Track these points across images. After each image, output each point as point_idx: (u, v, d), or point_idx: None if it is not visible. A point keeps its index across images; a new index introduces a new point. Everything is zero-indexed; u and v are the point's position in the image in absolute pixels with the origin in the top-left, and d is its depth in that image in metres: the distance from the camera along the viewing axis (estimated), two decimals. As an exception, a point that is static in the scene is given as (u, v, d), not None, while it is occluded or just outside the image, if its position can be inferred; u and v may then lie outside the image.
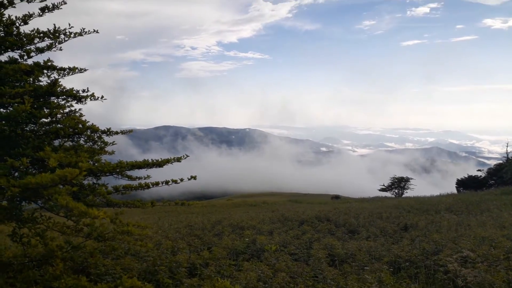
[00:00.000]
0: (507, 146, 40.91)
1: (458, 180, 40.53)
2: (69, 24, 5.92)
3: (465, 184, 39.26)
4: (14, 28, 5.89)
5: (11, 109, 5.39)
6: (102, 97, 6.58)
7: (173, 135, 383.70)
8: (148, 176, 7.03)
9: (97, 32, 6.36)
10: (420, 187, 45.70)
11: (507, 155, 40.63)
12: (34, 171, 5.63)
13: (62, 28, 5.95)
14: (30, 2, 5.13)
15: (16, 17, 5.73)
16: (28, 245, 5.91)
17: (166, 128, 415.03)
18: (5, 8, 5.07)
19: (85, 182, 6.32)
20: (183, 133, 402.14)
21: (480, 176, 39.70)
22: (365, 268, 8.06)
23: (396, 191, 45.42)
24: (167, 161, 6.89)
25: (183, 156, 7.13)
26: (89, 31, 6.28)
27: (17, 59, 6.15)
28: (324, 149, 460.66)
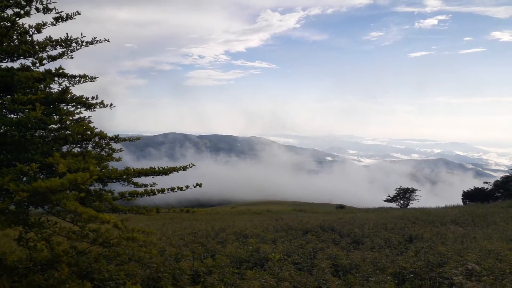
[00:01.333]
0: (514, 159, 40.60)
1: (464, 192, 40.21)
2: (81, 34, 6.04)
3: (471, 196, 38.94)
4: (28, 37, 6.03)
5: (21, 115, 5.49)
6: (111, 104, 6.68)
7: (176, 142, 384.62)
8: (154, 184, 7.09)
9: (108, 41, 6.47)
10: (426, 199, 45.40)
11: (514, 168, 40.30)
12: (42, 176, 5.71)
13: (74, 36, 6.07)
14: (46, 13, 5.25)
15: (29, 25, 5.87)
16: (34, 249, 5.97)
17: (172, 135, 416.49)
18: (21, 17, 5.19)
19: (92, 188, 6.39)
20: (188, 140, 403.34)
21: (487, 188, 39.36)
22: (370, 279, 8.03)
23: (402, 202, 45.14)
24: (173, 169, 6.95)
25: (189, 164, 7.19)
26: (100, 40, 6.40)
27: (29, 66, 6.28)
28: (329, 158, 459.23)
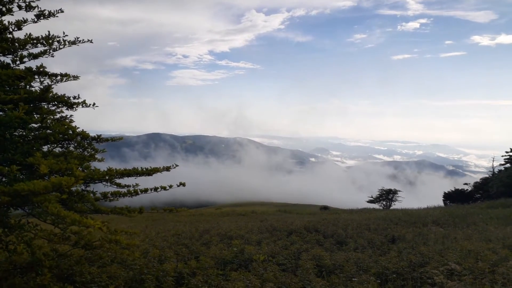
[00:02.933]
0: (493, 161, 41.59)
1: (445, 193, 40.94)
2: (64, 33, 5.93)
3: (452, 197, 39.68)
4: (7, 34, 5.88)
5: (1, 113, 5.35)
6: (94, 104, 6.58)
7: (159, 143, 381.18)
8: (137, 184, 7.02)
9: (91, 41, 6.38)
10: (408, 200, 46.06)
11: (493, 170, 41.26)
12: (22, 177, 5.58)
13: (56, 35, 5.95)
14: (28, 11, 5.14)
15: (9, 22, 5.72)
16: (14, 252, 5.83)
17: (154, 135, 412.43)
18: (3, 15, 5.06)
19: (73, 189, 6.27)
20: (171, 141, 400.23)
21: (467, 189, 40.18)
22: (353, 279, 8.09)
23: (384, 203, 45.68)
24: (157, 170, 6.89)
25: (173, 165, 7.14)
26: (83, 40, 6.30)
27: (9, 64, 6.13)
28: (313, 159, 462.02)
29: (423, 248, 11.11)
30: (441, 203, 39.03)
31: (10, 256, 6.08)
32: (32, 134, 6.15)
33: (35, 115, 6.07)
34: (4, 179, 5.04)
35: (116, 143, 7.81)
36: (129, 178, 6.71)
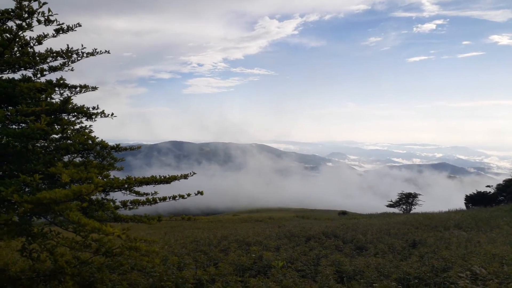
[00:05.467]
0: (516, 162, 40.51)
1: (466, 196, 40.03)
2: (82, 45, 6.09)
3: (474, 200, 38.76)
4: (29, 48, 6.08)
5: (23, 125, 5.51)
6: (112, 114, 6.71)
7: (176, 150, 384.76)
8: (156, 192, 7.10)
9: (108, 52, 6.52)
10: (428, 203, 45.19)
11: (516, 171, 40.16)
12: (44, 186, 5.72)
13: (74, 48, 6.11)
14: (47, 25, 5.30)
15: (30, 37, 5.91)
16: (37, 260, 5.96)
17: (172, 143, 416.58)
18: (23, 30, 5.23)
19: (94, 197, 6.38)
20: (189, 148, 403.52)
21: (489, 192, 39.19)
22: (374, 285, 7.98)
23: (404, 207, 44.93)
24: (175, 178, 6.96)
25: (190, 173, 7.20)
26: (100, 51, 6.45)
27: (30, 77, 6.31)
28: (330, 164, 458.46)
29: (446, 252, 10.88)
30: (463, 206, 38.17)
31: (34, 264, 6.22)
32: (54, 144, 6.30)
33: (56, 126, 6.23)
34: (27, 189, 5.18)
35: (134, 151, 7.92)
36: (148, 186, 6.80)
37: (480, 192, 39.26)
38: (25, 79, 6.24)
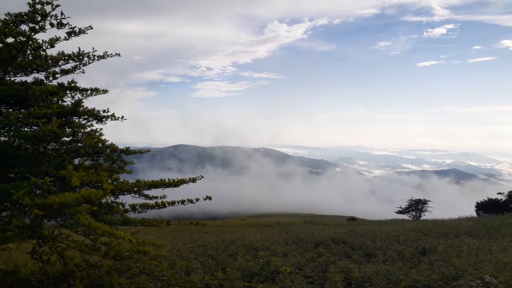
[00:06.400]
0: (528, 169, 39.92)
1: (477, 203, 39.48)
2: (93, 48, 6.15)
3: (485, 207, 38.22)
4: (41, 51, 6.15)
5: (35, 128, 5.56)
6: (122, 117, 6.74)
7: (185, 154, 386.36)
8: (164, 196, 7.10)
9: (118, 55, 6.57)
10: (438, 210, 44.67)
11: (529, 178, 39.56)
12: (55, 189, 5.75)
13: (85, 51, 6.17)
14: (59, 28, 5.36)
15: (43, 40, 5.99)
16: (47, 262, 5.98)
17: (181, 147, 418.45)
18: (36, 32, 5.29)
19: (103, 200, 6.40)
20: (198, 152, 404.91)
21: (501, 199, 38.61)
22: (383, 292, 7.88)
23: (414, 213, 44.47)
24: (183, 181, 6.96)
25: (198, 176, 7.21)
26: (111, 54, 6.50)
27: (42, 80, 6.38)
28: (338, 169, 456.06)
29: (456, 260, 10.73)
30: (474, 214, 37.66)
31: (43, 266, 6.25)
32: (64, 147, 6.34)
33: (67, 129, 6.28)
34: (38, 191, 5.21)
35: (143, 154, 7.95)
36: (157, 189, 6.82)
37: (491, 199, 38.71)
38: (37, 82, 6.31)
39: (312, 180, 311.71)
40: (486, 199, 39.03)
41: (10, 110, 5.87)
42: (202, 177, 7.28)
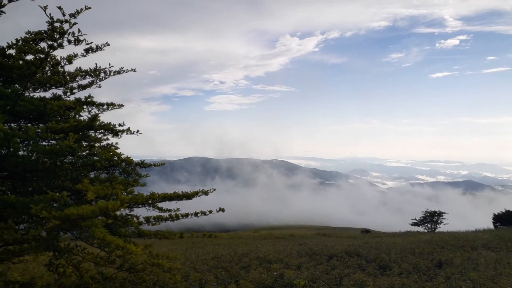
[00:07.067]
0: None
1: (494, 215, 38.67)
2: (109, 64, 6.30)
3: (502, 219, 37.39)
4: (59, 67, 6.32)
5: (53, 142, 5.69)
6: (138, 131, 6.86)
7: (198, 166, 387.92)
8: (178, 209, 7.16)
9: (134, 70, 6.72)
10: (453, 222, 43.86)
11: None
12: (71, 202, 5.85)
13: (102, 66, 6.33)
14: (77, 44, 5.52)
15: (61, 57, 6.17)
16: (63, 275, 6.06)
17: (195, 159, 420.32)
18: (55, 49, 5.46)
19: (118, 213, 6.49)
20: (210, 164, 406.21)
21: (519, 211, 37.79)
22: (398, 307, 7.76)
23: (429, 225, 43.72)
24: (196, 194, 7.02)
25: (210, 189, 7.27)
26: (126, 69, 6.65)
27: (60, 95, 6.55)
28: (351, 181, 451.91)
29: (473, 273, 10.51)
30: (491, 226, 36.88)
31: (59, 278, 6.32)
32: (81, 161, 6.47)
33: (83, 143, 6.41)
34: (55, 205, 5.31)
35: (158, 167, 8.05)
36: (171, 202, 6.88)
37: (509, 211, 37.88)
38: (55, 97, 6.48)
39: (325, 191, 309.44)
40: (504, 211, 38.23)
41: (29, 125, 6.02)
42: (214, 189, 7.34)
